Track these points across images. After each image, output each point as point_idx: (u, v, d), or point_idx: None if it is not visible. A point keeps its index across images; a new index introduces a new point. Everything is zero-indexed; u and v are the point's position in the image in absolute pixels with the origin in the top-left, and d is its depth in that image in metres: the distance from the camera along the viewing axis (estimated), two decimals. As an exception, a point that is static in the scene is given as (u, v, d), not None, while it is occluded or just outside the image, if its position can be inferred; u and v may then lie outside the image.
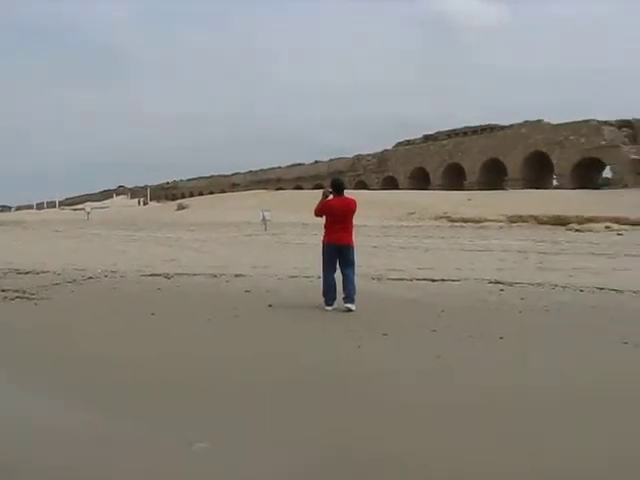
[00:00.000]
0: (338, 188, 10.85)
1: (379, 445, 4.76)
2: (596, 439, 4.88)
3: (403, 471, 4.35)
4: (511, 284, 12.96)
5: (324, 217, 10.80)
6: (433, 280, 13.50)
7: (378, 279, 13.70)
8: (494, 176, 66.55)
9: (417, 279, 13.73)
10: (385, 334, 8.49)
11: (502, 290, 12.33)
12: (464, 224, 38.40)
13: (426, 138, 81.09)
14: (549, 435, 4.97)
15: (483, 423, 5.24)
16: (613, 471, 4.40)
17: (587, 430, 5.07)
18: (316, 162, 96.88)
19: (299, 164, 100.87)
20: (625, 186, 52.82)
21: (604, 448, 4.72)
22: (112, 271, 15.40)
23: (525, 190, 54.77)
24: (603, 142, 58.33)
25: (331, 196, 10.82)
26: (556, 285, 12.86)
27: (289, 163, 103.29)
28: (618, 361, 7.41)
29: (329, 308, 10.42)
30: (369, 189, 70.65)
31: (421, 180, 75.19)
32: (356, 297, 10.43)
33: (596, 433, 5.02)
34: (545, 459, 4.53)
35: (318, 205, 10.91)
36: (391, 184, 77.71)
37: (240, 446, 4.75)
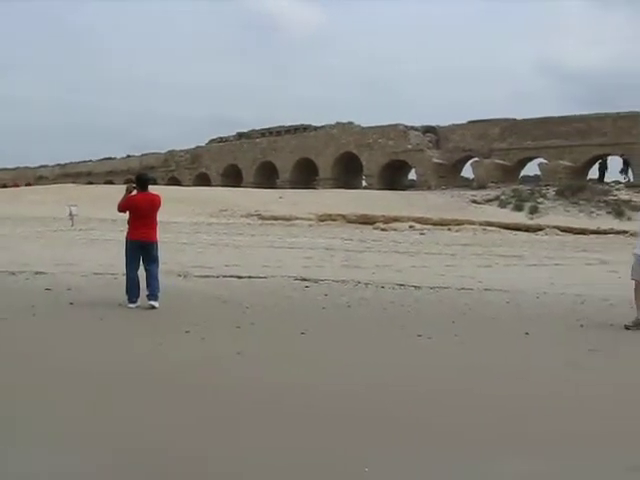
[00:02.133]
0: (142, 183, 10.65)
1: (175, 445, 4.72)
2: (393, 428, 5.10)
3: (199, 471, 4.34)
4: (316, 281, 13.27)
5: (127, 213, 10.57)
6: (240, 277, 13.57)
7: (184, 276, 13.58)
8: (306, 175, 67.81)
9: (224, 276, 13.74)
10: (187, 331, 8.45)
11: (307, 287, 12.61)
12: (274, 222, 38.78)
13: (240, 136, 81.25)
14: (339, 430, 5.14)
15: (278, 421, 5.34)
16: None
17: (400, 419, 5.28)
18: (128, 156, 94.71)
19: (110, 158, 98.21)
20: (429, 188, 55.56)
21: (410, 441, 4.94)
22: None
23: (335, 190, 56.18)
24: (409, 146, 61.04)
25: (135, 191, 10.61)
26: (359, 282, 13.31)
27: (101, 157, 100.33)
28: (411, 352, 7.82)
29: (132, 305, 10.22)
30: (182, 185, 69.76)
31: (234, 177, 75.27)
32: (160, 294, 10.31)
33: (406, 421, 5.24)
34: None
35: (121, 200, 10.65)
36: (204, 181, 77.23)
37: (34, 447, 4.57)
